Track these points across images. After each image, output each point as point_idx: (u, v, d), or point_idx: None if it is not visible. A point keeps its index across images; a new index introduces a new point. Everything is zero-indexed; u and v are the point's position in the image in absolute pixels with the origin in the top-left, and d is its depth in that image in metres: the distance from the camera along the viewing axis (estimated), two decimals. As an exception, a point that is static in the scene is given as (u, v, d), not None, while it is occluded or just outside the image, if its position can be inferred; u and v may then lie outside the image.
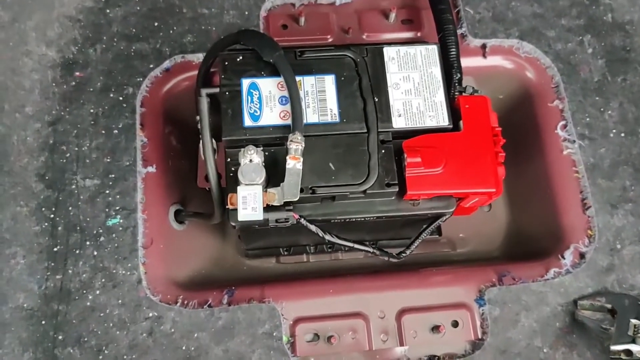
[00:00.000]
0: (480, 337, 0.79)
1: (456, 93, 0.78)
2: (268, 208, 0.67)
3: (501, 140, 0.73)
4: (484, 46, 0.94)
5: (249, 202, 0.65)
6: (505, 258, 0.94)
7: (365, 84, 0.73)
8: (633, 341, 0.72)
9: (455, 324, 0.80)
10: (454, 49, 0.82)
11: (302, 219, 0.69)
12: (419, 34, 0.94)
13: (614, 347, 0.72)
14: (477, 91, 0.78)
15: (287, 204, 0.68)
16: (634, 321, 0.74)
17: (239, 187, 0.66)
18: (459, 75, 0.80)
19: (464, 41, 0.93)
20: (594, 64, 0.93)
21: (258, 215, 0.65)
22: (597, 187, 0.86)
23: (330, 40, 0.92)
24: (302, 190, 0.68)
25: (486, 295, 0.81)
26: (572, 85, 0.92)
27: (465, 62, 0.90)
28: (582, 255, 0.84)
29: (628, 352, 0.72)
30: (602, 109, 0.91)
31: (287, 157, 0.66)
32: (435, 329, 0.79)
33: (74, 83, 0.87)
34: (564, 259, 0.83)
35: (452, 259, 0.96)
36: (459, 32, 0.93)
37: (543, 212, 0.90)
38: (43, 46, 0.88)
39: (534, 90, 0.94)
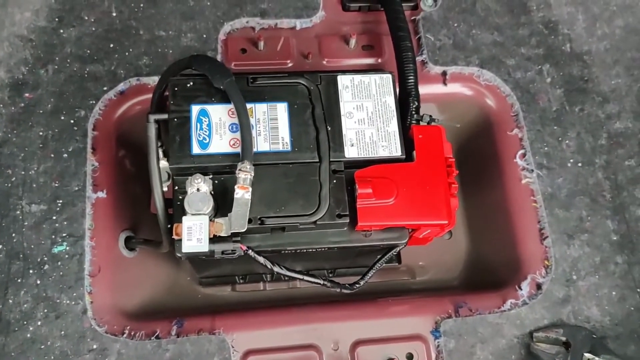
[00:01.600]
0: (435, 370, 0.78)
1: (413, 122, 0.77)
2: (215, 239, 0.65)
3: (454, 172, 0.72)
4: (444, 73, 0.94)
5: (194, 233, 0.63)
6: (464, 287, 0.93)
7: (318, 113, 0.71)
8: (586, 376, 0.71)
9: (410, 357, 0.78)
10: (411, 77, 0.81)
11: (250, 251, 0.67)
12: (379, 60, 0.94)
13: (565, 382, 0.72)
14: (435, 120, 0.78)
15: (234, 234, 0.66)
16: (587, 355, 0.74)
17: (184, 217, 0.64)
18: (416, 104, 0.79)
19: (425, 68, 0.93)
20: (553, 93, 0.94)
21: (203, 246, 0.63)
22: (554, 217, 0.86)
23: (290, 65, 0.91)
24: (250, 221, 0.66)
25: (442, 326, 0.79)
26: (530, 114, 0.92)
27: (426, 89, 0.91)
28: (538, 286, 0.83)
29: (581, 387, 0.71)
30: (560, 139, 0.91)
31: (236, 187, 0.65)
32: (390, 361, 0.77)
33: (22, 104, 0.84)
34: (521, 289, 0.83)
35: (411, 288, 0.95)
36: (419, 58, 0.93)
37: (501, 242, 0.89)
38: (-8, 66, 0.85)
39: (494, 118, 0.94)
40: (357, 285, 0.75)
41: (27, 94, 0.85)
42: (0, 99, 0.84)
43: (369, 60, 0.94)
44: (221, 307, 0.90)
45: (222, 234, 0.65)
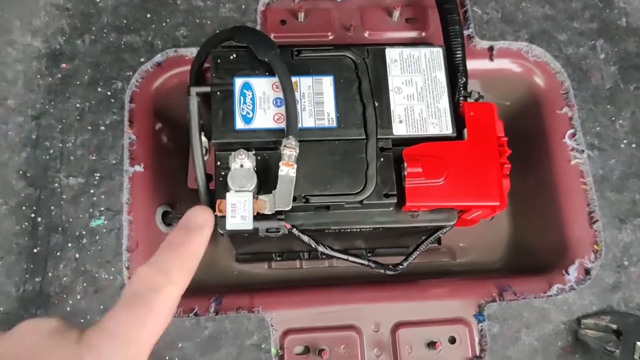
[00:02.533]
0: (478, 354, 0.76)
1: (460, 98, 0.74)
2: (258, 216, 0.63)
3: (507, 151, 0.69)
4: (491, 48, 0.89)
5: (238, 210, 0.61)
6: (507, 270, 0.90)
7: (365, 87, 0.68)
8: (639, 366, 0.69)
9: (452, 340, 0.76)
10: (459, 52, 0.77)
11: (294, 229, 0.65)
12: (423, 34, 0.90)
13: (618, 372, 0.69)
14: (483, 97, 0.74)
15: (278, 212, 0.64)
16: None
17: (228, 194, 0.62)
18: (464, 80, 0.76)
19: (471, 43, 0.89)
20: (606, 70, 0.89)
21: (247, 224, 0.61)
22: (605, 200, 0.83)
23: (330, 37, 0.88)
24: (295, 199, 0.64)
25: (486, 310, 0.77)
26: (582, 92, 0.87)
27: (471, 64, 0.86)
28: (587, 271, 0.80)
29: (633, 378, 0.68)
30: (613, 118, 0.87)
31: (280, 164, 0.62)
32: (432, 344, 0.75)
33: (59, 75, 0.83)
34: (568, 274, 0.80)
35: (451, 269, 0.92)
36: (465, 33, 0.89)
37: (547, 224, 0.86)
38: (28, 36, 0.84)
39: (542, 96, 0.89)
40: (400, 267, 0.73)
41: (64, 65, 0.83)
42: (37, 69, 0.82)
43: (413, 34, 0.90)
44: (257, 284, 0.89)
45: (266, 212, 0.63)
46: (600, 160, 0.84)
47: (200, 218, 0.40)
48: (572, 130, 0.86)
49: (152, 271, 0.33)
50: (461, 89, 0.75)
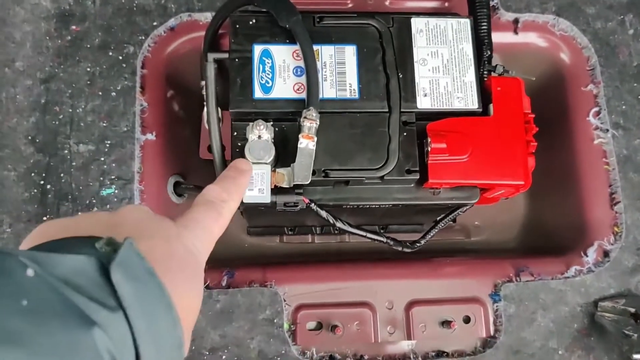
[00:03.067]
0: (492, 334, 0.75)
1: (485, 72, 0.71)
2: (276, 190, 0.61)
3: (534, 128, 0.66)
4: (516, 21, 0.86)
5: (256, 183, 0.59)
6: (522, 250, 0.89)
7: (389, 58, 0.66)
8: (658, 351, 0.68)
9: (467, 320, 0.75)
10: (485, 23, 0.74)
11: (313, 204, 0.63)
12: (446, 4, 0.86)
13: (636, 356, 0.68)
14: (508, 71, 0.71)
15: (297, 186, 0.62)
16: (659, 329, 0.70)
17: (245, 166, 0.59)
18: (489, 53, 0.73)
19: (495, 14, 0.86)
20: (635, 46, 0.86)
21: (265, 197, 0.59)
22: (628, 181, 0.80)
23: (350, 5, 0.85)
24: (314, 173, 0.62)
25: (502, 290, 0.76)
26: (609, 68, 0.84)
27: (494, 37, 0.83)
28: (606, 254, 0.78)
29: (652, 363, 0.67)
30: None
31: (300, 136, 0.60)
32: (446, 323, 0.74)
33: (69, 37, 0.80)
34: (587, 256, 0.78)
35: (465, 248, 0.91)
36: (490, 3, 0.85)
37: (566, 205, 0.84)
38: (37, -5, 0.80)
39: (567, 72, 0.86)
40: (418, 244, 0.72)
41: (73, 27, 0.80)
42: (46, 30, 0.79)
43: (435, 3, 0.86)
44: (268, 258, 0.87)
45: (284, 185, 0.61)
46: (624, 140, 0.82)
47: (245, 165, 0.50)
48: (596, 109, 0.83)
49: (219, 189, 0.43)
50: (486, 62, 0.72)
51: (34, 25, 0.79)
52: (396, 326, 0.75)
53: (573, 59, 0.86)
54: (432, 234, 0.72)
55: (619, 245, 0.78)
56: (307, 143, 0.61)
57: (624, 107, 0.83)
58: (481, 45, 0.73)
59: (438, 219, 0.72)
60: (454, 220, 0.89)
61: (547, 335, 0.75)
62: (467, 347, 0.75)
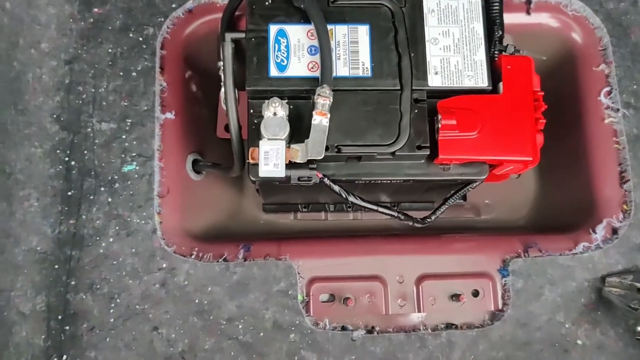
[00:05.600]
0: (500, 308, 0.77)
1: (496, 52, 0.72)
2: (290, 165, 0.64)
3: (543, 106, 0.68)
4: (529, 1, 0.87)
5: (271, 158, 0.62)
6: (532, 228, 0.90)
7: (401, 37, 0.67)
8: (662, 324, 0.69)
9: (475, 294, 0.77)
10: (497, 3, 0.75)
11: (326, 179, 0.66)
12: (459, -15, 0.87)
13: (641, 329, 0.70)
14: (519, 51, 0.73)
15: (310, 162, 0.64)
16: (664, 303, 0.71)
17: (261, 142, 0.62)
18: (500, 33, 0.74)
19: (508, -5, 0.87)
20: (647, 27, 0.87)
21: (280, 172, 0.62)
22: (638, 160, 0.82)
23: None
24: (327, 148, 0.64)
25: (510, 265, 0.78)
26: (621, 48, 0.85)
27: (507, 18, 0.85)
28: (614, 231, 0.80)
29: (656, 335, 0.69)
30: (651, 77, 0.85)
31: (314, 112, 0.62)
32: (455, 297, 0.77)
33: (92, 20, 0.82)
34: (595, 233, 0.80)
35: (475, 225, 0.93)
36: (503, -16, 0.86)
37: (576, 183, 0.86)
38: (60, -22, 0.83)
39: (579, 52, 0.87)
40: (429, 220, 0.74)
41: (96, 9, 0.83)
42: (70, 13, 0.82)
43: (448, -15, 0.87)
44: (283, 234, 0.90)
45: (298, 161, 0.63)
46: (635, 120, 0.83)
47: None
48: (608, 88, 0.84)
49: None
50: (497, 42, 0.73)
51: (59, 8, 0.82)
52: (406, 299, 0.77)
53: (585, 39, 0.87)
54: (442, 210, 0.73)
55: (628, 223, 0.79)
56: (320, 119, 0.63)
57: (635, 86, 0.84)
58: (493, 25, 0.74)
59: (448, 195, 0.74)
60: (464, 199, 0.92)
61: (554, 310, 0.77)
62: (476, 320, 0.78)
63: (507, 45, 0.73)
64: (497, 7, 0.75)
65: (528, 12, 0.87)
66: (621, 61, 0.85)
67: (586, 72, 0.86)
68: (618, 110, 0.83)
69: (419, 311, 0.77)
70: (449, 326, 0.77)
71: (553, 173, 0.92)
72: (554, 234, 0.83)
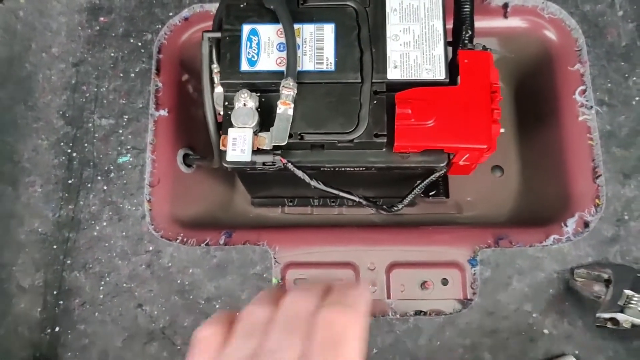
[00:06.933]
0: (469, 297, 0.79)
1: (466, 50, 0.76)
2: (257, 151, 0.69)
3: (498, 97, 0.71)
4: (505, 5, 0.91)
5: (238, 144, 0.68)
6: (510, 223, 0.92)
7: (364, 34, 0.72)
8: (621, 311, 0.70)
9: (445, 282, 0.80)
10: (467, 6, 0.79)
11: (289, 164, 0.71)
12: (438, -9, 0.92)
13: (600, 314, 0.71)
14: (488, 49, 0.76)
15: (276, 148, 0.70)
16: (627, 292, 0.72)
17: (230, 129, 0.68)
18: (470, 32, 0.78)
19: (485, 0, 0.91)
20: (624, 27, 0.88)
21: (246, 156, 0.67)
22: (610, 155, 0.83)
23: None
24: (291, 136, 0.69)
25: (479, 255, 0.80)
26: (596, 49, 0.87)
27: (487, 22, 0.90)
28: (586, 224, 0.81)
29: (614, 321, 0.70)
30: (626, 75, 0.86)
31: (279, 102, 0.68)
32: (424, 285, 0.79)
33: (98, 27, 0.91)
34: (567, 226, 0.81)
35: (457, 222, 0.95)
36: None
37: (553, 179, 0.87)
38: (71, -9, 0.93)
39: (555, 52, 0.90)
40: (395, 208, 0.77)
41: (102, 18, 0.92)
42: (79, 22, 0.91)
43: (428, -9, 0.92)
44: (270, 227, 0.95)
45: (265, 147, 0.69)
46: (608, 117, 0.84)
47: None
48: (582, 87, 0.86)
49: None
50: (466, 41, 0.77)
51: (69, 17, 0.91)
52: (377, 285, 0.80)
53: (561, 40, 0.90)
54: (409, 198, 0.77)
55: (599, 217, 0.80)
56: (284, 109, 0.68)
57: (609, 85, 0.86)
58: (462, 25, 0.78)
59: (415, 185, 0.77)
60: (447, 195, 0.95)
61: (522, 299, 0.78)
62: (445, 307, 0.80)
63: (477, 44, 0.77)
64: (467, 9, 0.79)
65: (505, 16, 0.91)
66: (596, 60, 0.87)
67: (562, 71, 0.89)
68: (591, 107, 0.85)
69: (389, 297, 0.80)
70: (418, 312, 0.80)
71: (534, 170, 0.94)
72: (527, 227, 0.84)
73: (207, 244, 0.82)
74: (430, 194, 0.95)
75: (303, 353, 0.30)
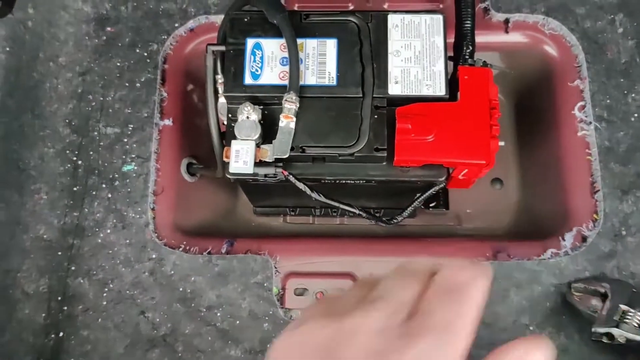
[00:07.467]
0: (467, 309, 0.80)
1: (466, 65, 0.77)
2: (259, 163, 0.70)
3: (497, 114, 0.72)
4: (506, 21, 0.92)
5: (241, 156, 0.69)
6: (509, 236, 0.93)
7: (365, 50, 0.74)
8: (617, 325, 0.71)
9: (443, 294, 0.81)
10: (468, 22, 0.80)
11: (291, 176, 0.72)
12: (441, 6, 0.93)
13: (595, 329, 0.71)
14: (489, 65, 0.78)
15: (278, 160, 0.71)
16: (623, 307, 0.73)
17: (233, 141, 0.69)
18: (470, 48, 0.79)
19: (487, 15, 0.92)
20: (624, 44, 0.90)
21: (248, 168, 0.69)
22: (609, 171, 0.84)
23: (351, 7, 0.93)
24: (293, 149, 0.70)
25: (478, 268, 0.81)
26: (596, 65, 0.88)
27: (488, 37, 0.91)
28: (584, 239, 0.82)
29: (610, 336, 0.70)
30: (625, 92, 0.87)
31: (281, 116, 0.69)
32: (422, 296, 0.80)
33: (105, 37, 0.93)
34: (564, 240, 0.82)
35: (456, 233, 0.96)
36: (482, 5, 0.92)
37: (552, 194, 0.88)
38: (79, 1, 0.94)
39: (556, 68, 0.91)
40: (395, 220, 0.78)
41: (109, 28, 0.93)
42: (86, 32, 0.93)
43: (429, 6, 0.93)
44: (272, 236, 0.96)
45: (267, 159, 0.70)
46: (607, 132, 0.85)
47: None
48: (582, 102, 0.87)
49: None
50: (467, 57, 0.79)
51: (76, 27, 0.93)
52: (376, 296, 0.81)
53: (561, 56, 0.91)
54: (408, 211, 0.78)
55: (597, 231, 0.81)
56: (287, 122, 0.70)
57: (608, 101, 0.87)
58: (462, 40, 0.79)
59: (415, 198, 0.78)
60: (447, 207, 0.96)
61: (519, 312, 0.79)
62: (442, 319, 0.81)
63: (477, 59, 0.79)
64: (468, 24, 0.81)
65: (506, 31, 0.92)
66: (596, 77, 0.88)
67: (562, 87, 0.90)
68: (590, 123, 0.86)
69: (387, 308, 0.81)
70: (416, 324, 0.81)
71: (533, 184, 0.95)
72: (525, 240, 0.85)
73: (209, 253, 0.83)
74: (431, 205, 0.96)
75: (419, 293, 0.28)
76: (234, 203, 0.99)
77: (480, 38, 0.80)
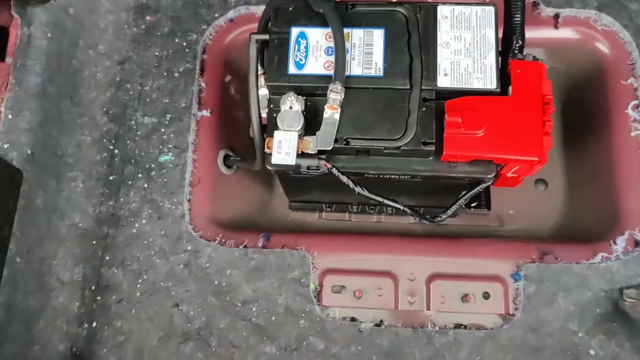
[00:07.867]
0: (511, 312, 0.77)
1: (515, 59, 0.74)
2: (302, 155, 0.68)
3: (551, 109, 0.69)
4: (556, 16, 0.89)
5: (284, 147, 0.67)
6: (554, 239, 0.90)
7: (414, 41, 0.71)
8: (674, 335, 0.67)
9: (486, 296, 0.78)
10: (518, 15, 0.78)
11: (334, 169, 0.70)
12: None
13: (626, 290, 0.68)
14: (538, 60, 0.75)
15: (321, 152, 0.69)
16: (680, 316, 0.69)
17: (275, 132, 0.67)
18: (520, 42, 0.76)
19: (536, 9, 0.89)
20: (680, 41, 0.86)
21: (291, 160, 0.67)
22: (663, 173, 0.80)
23: (395, -1, 0.91)
24: (337, 141, 0.68)
25: (523, 270, 0.78)
26: (650, 62, 0.85)
27: (536, 32, 0.88)
28: (636, 243, 0.78)
29: (667, 347, 0.67)
30: (682, 91, 0.83)
31: (325, 106, 0.67)
32: (465, 297, 0.77)
33: (144, 26, 0.92)
34: (616, 244, 0.78)
35: (498, 234, 0.93)
36: (531, -1, 0.89)
37: (601, 195, 0.85)
38: (120, -11, 0.94)
39: (608, 65, 0.88)
40: (439, 218, 0.75)
41: (148, 17, 0.92)
42: (125, 20, 0.92)
43: (477, -2, 0.91)
44: (307, 232, 0.94)
45: (309, 151, 0.68)
46: (662, 133, 0.82)
47: None
48: (636, 102, 0.84)
49: None
50: (516, 51, 0.76)
51: (116, 15, 0.92)
52: (416, 296, 0.79)
53: (614, 53, 0.87)
54: (453, 209, 0.75)
55: (650, 236, 0.78)
56: (331, 113, 0.67)
57: (664, 100, 0.83)
58: (512, 34, 0.77)
59: (460, 195, 0.75)
60: (489, 207, 0.93)
61: (567, 317, 0.76)
62: (486, 322, 0.78)
63: (527, 54, 0.76)
64: (518, 18, 0.78)
65: (556, 27, 0.89)
66: (650, 74, 0.84)
67: (614, 85, 0.86)
68: (645, 122, 0.82)
69: (428, 309, 0.78)
70: (458, 326, 0.78)
71: (581, 185, 0.92)
72: (573, 243, 0.82)
73: (245, 246, 0.82)
74: (472, 205, 0.93)
75: None
76: (270, 197, 0.97)
77: (528, 33, 0.77)
